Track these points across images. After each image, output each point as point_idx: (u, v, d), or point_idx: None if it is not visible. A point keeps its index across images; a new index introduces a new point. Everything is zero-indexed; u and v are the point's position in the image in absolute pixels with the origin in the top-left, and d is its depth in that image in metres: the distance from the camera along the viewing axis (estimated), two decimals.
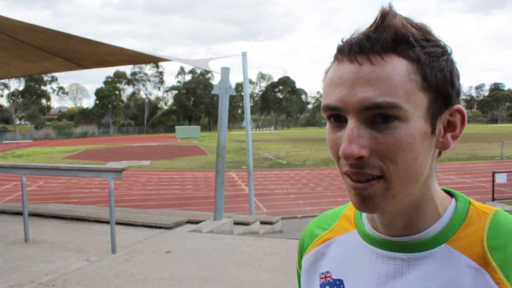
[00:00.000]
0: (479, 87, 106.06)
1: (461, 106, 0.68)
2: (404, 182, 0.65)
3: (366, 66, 0.63)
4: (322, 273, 0.83)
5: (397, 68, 0.63)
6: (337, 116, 0.67)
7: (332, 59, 0.70)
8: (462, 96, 0.69)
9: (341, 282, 0.79)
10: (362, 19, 0.68)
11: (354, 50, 0.64)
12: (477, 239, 0.69)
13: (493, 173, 15.16)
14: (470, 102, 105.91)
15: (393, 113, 0.62)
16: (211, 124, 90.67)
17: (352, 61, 0.64)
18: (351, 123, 0.64)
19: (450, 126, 0.69)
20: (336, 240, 0.84)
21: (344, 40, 0.68)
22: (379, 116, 0.63)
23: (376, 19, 0.66)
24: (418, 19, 0.67)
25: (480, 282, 0.66)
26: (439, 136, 0.68)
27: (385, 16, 0.65)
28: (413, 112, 0.63)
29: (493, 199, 14.61)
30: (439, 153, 0.72)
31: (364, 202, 0.66)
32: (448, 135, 0.69)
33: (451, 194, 0.77)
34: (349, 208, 0.87)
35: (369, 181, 0.65)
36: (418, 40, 0.65)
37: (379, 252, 0.74)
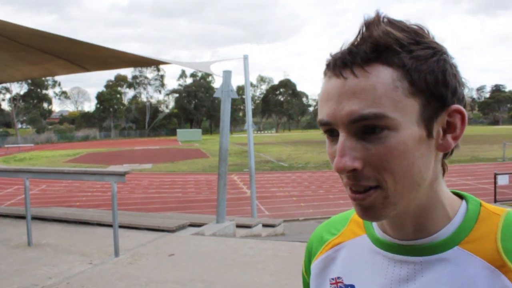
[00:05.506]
0: (480, 89, 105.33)
1: (459, 106, 0.67)
2: (404, 189, 0.65)
3: (351, 79, 0.64)
4: (332, 279, 0.82)
5: (381, 77, 0.63)
6: (331, 131, 0.68)
7: (322, 75, 0.71)
8: None
9: (352, 287, 0.79)
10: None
11: (338, 65, 0.66)
12: (490, 241, 0.68)
13: (495, 175, 15.09)
14: (471, 103, 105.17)
15: (380, 123, 0.63)
16: (212, 127, 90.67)
17: (338, 75, 0.66)
18: (342, 136, 0.65)
19: (450, 127, 0.68)
20: (346, 245, 0.84)
21: (332, 54, 0.69)
22: (368, 128, 0.64)
23: (359, 30, 0.67)
24: (422, 20, 0.67)
25: (496, 283, 0.65)
26: (438, 138, 0.68)
27: (368, 26, 0.66)
28: (402, 119, 0.63)
29: (495, 201, 14.48)
30: (450, 153, 0.72)
31: (366, 212, 0.68)
32: (448, 136, 0.68)
33: (461, 196, 0.76)
34: None
35: (367, 191, 0.66)
36: (404, 45, 0.64)
37: (391, 256, 0.74)
